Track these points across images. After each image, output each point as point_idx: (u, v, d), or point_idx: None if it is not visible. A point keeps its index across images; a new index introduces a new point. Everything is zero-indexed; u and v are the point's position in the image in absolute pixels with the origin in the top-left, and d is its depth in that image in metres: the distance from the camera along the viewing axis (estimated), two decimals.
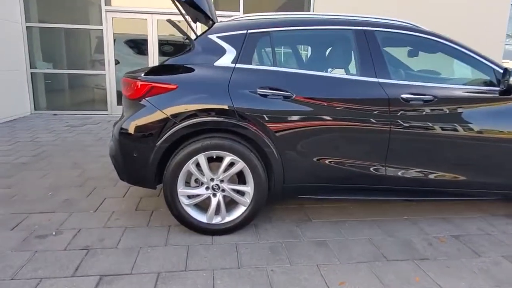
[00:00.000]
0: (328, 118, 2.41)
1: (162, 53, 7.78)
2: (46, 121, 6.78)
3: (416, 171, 2.55)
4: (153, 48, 7.67)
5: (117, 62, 7.69)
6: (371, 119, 2.43)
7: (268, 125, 2.37)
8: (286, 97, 2.39)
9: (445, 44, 2.62)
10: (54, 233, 2.49)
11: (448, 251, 2.37)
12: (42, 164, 4.06)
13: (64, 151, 4.64)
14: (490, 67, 2.60)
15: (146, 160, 2.39)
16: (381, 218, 2.85)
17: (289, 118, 2.39)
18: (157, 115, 2.34)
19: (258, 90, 2.38)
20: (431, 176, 2.57)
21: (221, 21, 2.72)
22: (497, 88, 2.57)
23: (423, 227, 2.71)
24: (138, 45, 7.87)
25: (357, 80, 2.47)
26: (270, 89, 2.39)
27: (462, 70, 3.39)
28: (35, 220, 2.68)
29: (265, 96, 2.38)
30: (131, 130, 2.38)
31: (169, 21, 2.48)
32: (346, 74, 2.49)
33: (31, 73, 7.43)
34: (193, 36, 2.50)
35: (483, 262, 2.26)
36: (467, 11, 7.92)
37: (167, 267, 2.12)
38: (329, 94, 2.42)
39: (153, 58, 7.71)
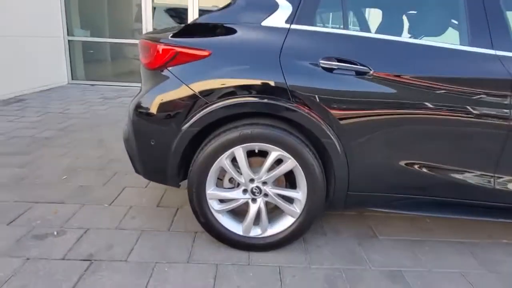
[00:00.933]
0: (420, 104, 1.69)
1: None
2: (82, 91, 6.46)
3: None
4: (193, 18, 7.06)
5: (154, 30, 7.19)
6: (483, 109, 1.69)
7: (332, 111, 1.71)
8: (360, 73, 1.70)
9: None
10: (55, 233, 2.02)
11: None
12: (65, 140, 3.66)
13: (92, 125, 4.23)
14: None
15: (167, 150, 1.82)
16: (471, 240, 2.14)
17: (362, 103, 1.70)
18: (182, 91, 1.74)
19: (320, 61, 1.70)
20: None
21: None
22: None
23: None
24: (179, 15, 7.33)
25: (465, 52, 1.72)
26: (338, 61, 1.70)
27: None
28: (38, 212, 2.23)
29: (330, 70, 1.70)
30: (148, 109, 1.81)
31: None
32: (448, 43, 1.74)
33: (69, 40, 7.11)
34: None
35: None
36: None
37: None
38: (423, 71, 1.69)
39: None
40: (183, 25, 1.95)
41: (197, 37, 1.79)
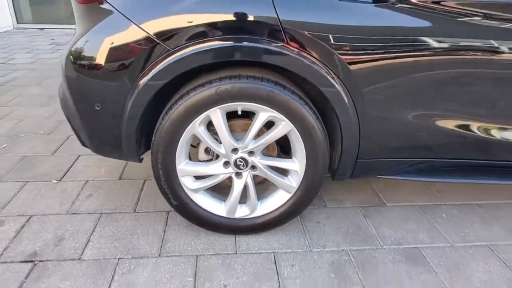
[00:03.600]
0: (457, 44, 1.26)
1: None
2: (29, 37, 5.63)
3: None
4: None
5: None
6: None
7: (339, 55, 1.26)
8: (379, 0, 1.23)
9: None
10: None
11: None
12: (7, 97, 3.07)
13: (40, 78, 3.61)
14: None
15: (120, 115, 1.35)
16: (491, 202, 1.85)
17: (383, 42, 1.25)
18: (132, 34, 1.24)
19: None
20: None
21: None
22: None
23: None
24: None
25: None
26: None
27: None
28: None
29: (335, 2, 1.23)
30: (87, 60, 1.30)
31: None
32: None
33: None
34: None
35: None
36: None
37: None
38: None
39: None
40: None
41: None
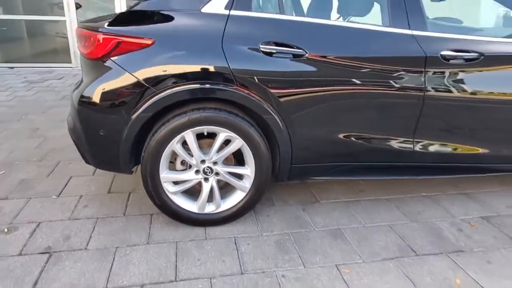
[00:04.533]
0: (350, 81, 1.90)
1: None
2: (0, 75, 5.93)
3: (449, 146, 2.13)
4: None
5: (78, 6, 6.70)
6: (402, 83, 1.94)
7: (273, 91, 1.85)
8: (297, 56, 1.85)
9: None
10: (6, 230, 1.99)
11: (484, 240, 2.03)
12: None
13: (20, 114, 3.98)
14: None
15: (118, 139, 1.85)
16: (397, 196, 2.47)
17: (300, 82, 1.86)
18: (129, 81, 1.77)
19: (260, 46, 1.82)
20: (467, 151, 2.16)
21: None
22: None
23: (446, 207, 2.35)
24: None
25: (386, 33, 1.94)
26: (277, 45, 1.83)
27: (490, 21, 2.89)
28: None
29: (269, 54, 1.83)
30: (94, 100, 1.81)
31: None
32: (373, 25, 1.95)
33: None
34: None
35: None
36: None
37: (152, 277, 1.68)
38: (351, 52, 1.89)
39: (120, 2, 6.75)
40: (119, 13, 1.94)
41: (137, 25, 1.80)
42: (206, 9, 1.84)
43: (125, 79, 1.76)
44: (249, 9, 1.88)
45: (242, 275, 1.72)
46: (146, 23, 1.81)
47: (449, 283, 1.70)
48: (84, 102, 1.83)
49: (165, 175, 1.93)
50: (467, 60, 1.98)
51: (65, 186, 2.48)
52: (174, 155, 2.01)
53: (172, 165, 2.04)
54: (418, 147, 2.11)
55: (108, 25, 1.80)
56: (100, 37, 1.78)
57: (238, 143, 1.91)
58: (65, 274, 1.68)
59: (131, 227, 2.05)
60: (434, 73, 1.96)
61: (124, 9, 6.67)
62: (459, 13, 2.84)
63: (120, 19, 1.86)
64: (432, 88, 1.97)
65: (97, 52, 1.78)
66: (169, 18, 1.82)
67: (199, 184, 2.00)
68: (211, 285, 1.65)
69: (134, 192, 2.42)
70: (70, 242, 1.91)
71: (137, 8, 1.91)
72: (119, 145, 1.86)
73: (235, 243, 1.94)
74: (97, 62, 1.81)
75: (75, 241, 1.91)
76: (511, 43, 2.04)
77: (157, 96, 1.77)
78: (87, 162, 2.01)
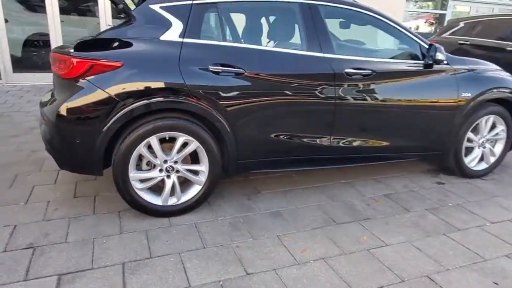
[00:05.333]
0: (279, 93, 2.45)
1: (62, 10, 6.88)
2: None
3: (357, 140, 2.78)
4: (52, 4, 6.69)
5: (6, 21, 6.60)
6: (319, 93, 2.54)
7: (220, 102, 2.33)
8: (238, 74, 2.36)
9: (379, 19, 2.80)
10: None
11: (384, 210, 2.69)
12: None
13: None
14: (417, 42, 2.87)
15: (92, 146, 2.19)
16: (322, 184, 3.07)
17: (241, 94, 2.37)
18: (102, 96, 2.13)
19: (210, 67, 2.30)
20: (369, 144, 2.83)
21: None
22: (422, 62, 2.86)
23: (359, 189, 3.00)
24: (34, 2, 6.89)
25: (305, 55, 2.54)
26: (222, 65, 2.33)
27: (384, 43, 3.67)
28: None
29: (217, 73, 2.31)
30: (71, 114, 2.14)
31: None
32: (295, 49, 2.53)
33: None
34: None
35: (413, 216, 2.62)
36: None
37: (130, 256, 2.05)
38: (279, 70, 2.45)
39: (54, 16, 6.77)
40: (86, 39, 2.29)
41: (108, 50, 2.18)
42: (164, 37, 2.28)
43: (98, 95, 2.12)
44: (198, 37, 2.35)
45: (204, 248, 2.15)
46: (115, 48, 2.19)
47: (359, 240, 2.29)
48: (62, 116, 2.14)
49: (133, 175, 2.30)
50: (364, 75, 2.65)
51: (30, 194, 2.70)
52: (140, 159, 2.38)
53: (138, 166, 2.40)
54: (334, 143, 2.73)
55: (76, 50, 2.15)
56: (74, 60, 2.12)
57: (194, 145, 2.35)
58: (52, 261, 1.98)
59: (103, 222, 2.37)
60: (341, 85, 2.59)
61: (58, 24, 6.72)
62: (362, 35, 3.58)
63: (90, 45, 2.22)
64: (341, 97, 2.60)
65: (73, 73, 2.12)
66: (134, 45, 2.22)
67: (162, 181, 2.40)
68: (180, 258, 2.06)
69: (98, 195, 2.72)
70: (50, 238, 2.18)
71: (103, 35, 2.28)
72: (93, 151, 2.20)
73: (196, 227, 2.36)
74: (72, 82, 2.15)
75: (54, 237, 2.19)
76: (393, 63, 2.77)
77: (126, 109, 2.15)
78: (62, 167, 2.30)
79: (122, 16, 7.32)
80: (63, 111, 2.15)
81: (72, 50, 2.17)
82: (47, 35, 6.85)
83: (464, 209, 2.74)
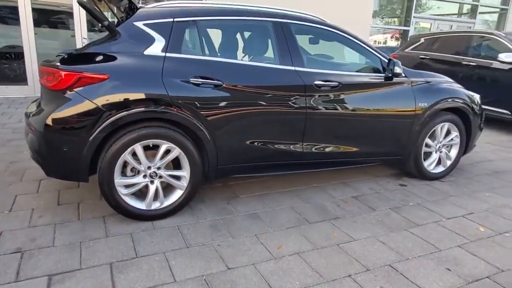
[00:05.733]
0: (255, 103, 2.66)
1: (35, 22, 6.89)
2: None
3: (327, 146, 3.02)
4: (26, 17, 6.69)
5: None
6: (291, 103, 2.78)
7: (201, 112, 2.52)
8: (216, 85, 2.55)
9: (344, 36, 3.09)
10: None
11: (352, 210, 2.93)
12: None
13: None
14: (378, 57, 3.17)
15: (79, 154, 2.31)
16: (296, 188, 3.29)
17: (220, 105, 2.57)
18: (89, 107, 2.27)
19: (191, 79, 2.48)
20: (338, 150, 3.08)
21: (143, 6, 2.69)
22: (383, 75, 3.16)
23: (329, 192, 3.24)
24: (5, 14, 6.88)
25: (278, 69, 2.77)
26: (202, 78, 2.52)
27: (350, 57, 3.98)
28: None
29: (197, 85, 2.50)
30: (59, 123, 2.26)
31: (81, 3, 2.34)
32: (268, 63, 2.77)
33: None
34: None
35: (378, 215, 2.87)
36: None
37: (117, 257, 2.17)
38: (254, 82, 2.66)
39: (28, 29, 6.76)
40: (73, 53, 2.44)
41: (94, 63, 2.33)
42: (147, 51, 2.45)
43: (86, 106, 2.26)
44: (179, 52, 2.54)
45: (187, 248, 2.30)
46: (102, 62, 2.34)
47: (330, 236, 2.51)
48: (50, 125, 2.26)
49: (119, 180, 2.43)
50: (331, 87, 2.91)
51: (14, 203, 2.76)
52: (125, 165, 2.52)
53: (122, 172, 2.54)
54: (306, 149, 2.96)
55: (63, 63, 2.29)
56: (62, 73, 2.26)
57: (176, 151, 2.51)
58: (42, 264, 2.07)
59: (89, 227, 2.48)
60: (311, 96, 2.84)
61: (32, 36, 6.73)
62: (330, 50, 3.87)
63: (76, 59, 2.36)
64: (311, 106, 2.85)
65: (61, 85, 2.25)
66: (119, 59, 2.38)
67: (146, 186, 2.54)
68: (165, 257, 2.20)
69: (82, 202, 2.82)
70: (37, 242, 2.27)
71: (89, 50, 2.43)
72: (80, 159, 2.32)
73: (179, 229, 2.51)
74: (59, 93, 2.28)
75: (41, 242, 2.28)
76: (358, 76, 3.05)
77: (112, 118, 2.30)
78: (48, 174, 2.41)
79: (97, 29, 7.43)
80: (51, 121, 2.26)
81: (59, 64, 2.30)
82: (20, 47, 6.84)
83: (423, 208, 3.02)
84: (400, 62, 3.10)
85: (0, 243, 2.25)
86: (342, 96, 2.97)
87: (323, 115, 2.91)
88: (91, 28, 7.34)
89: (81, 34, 7.17)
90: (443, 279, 2.12)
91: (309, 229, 2.59)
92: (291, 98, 2.77)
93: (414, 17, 10.75)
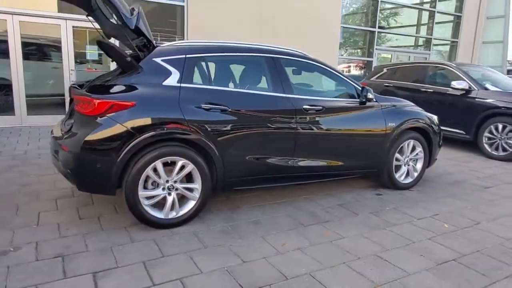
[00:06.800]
0: (255, 124, 3.15)
1: (26, 55, 7.17)
2: None
3: (314, 161, 3.53)
4: (15, 49, 6.96)
5: None
6: (284, 125, 3.28)
7: (211, 132, 2.96)
8: (223, 110, 3.03)
9: (324, 68, 3.68)
10: (12, 249, 2.54)
11: (339, 215, 3.41)
12: None
13: None
14: (353, 85, 3.78)
15: (110, 170, 2.68)
16: (288, 199, 3.74)
17: (226, 126, 3.03)
18: (120, 129, 2.67)
19: (202, 105, 2.94)
20: (323, 164, 3.59)
21: (159, 45, 3.14)
22: (358, 100, 3.76)
23: (318, 202, 3.71)
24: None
25: (273, 96, 3.29)
26: (212, 104, 2.99)
27: (328, 85, 4.59)
28: None
29: (208, 110, 2.96)
30: (94, 144, 2.64)
31: (102, 43, 2.78)
32: (265, 91, 3.28)
33: None
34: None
35: (361, 218, 3.36)
36: (307, 37, 9.76)
37: (148, 256, 2.52)
38: (254, 107, 3.16)
39: (17, 63, 7.02)
40: (103, 84, 2.85)
41: (122, 93, 2.75)
42: (165, 82, 2.91)
43: (117, 129, 2.66)
44: (191, 82, 3.01)
45: (205, 248, 2.68)
46: (128, 91, 2.77)
47: (323, 235, 2.97)
48: (86, 146, 2.63)
49: (142, 193, 2.80)
50: (317, 110, 3.46)
51: (38, 219, 3.04)
52: (147, 180, 2.89)
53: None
54: (296, 163, 3.45)
55: (95, 92, 2.70)
56: (96, 101, 2.66)
57: (190, 167, 2.93)
58: (83, 264, 2.39)
59: (114, 236, 2.81)
60: (300, 118, 3.36)
61: (20, 69, 6.97)
62: (310, 80, 4.47)
63: (106, 89, 2.78)
64: (300, 127, 3.36)
65: (96, 111, 2.65)
66: (144, 89, 2.81)
67: (163, 199, 2.92)
68: (188, 255, 2.57)
69: (101, 216, 3.14)
70: (73, 249, 2.58)
71: (116, 82, 2.85)
72: (110, 175, 2.69)
73: (194, 234, 2.89)
74: (92, 118, 2.67)
75: (76, 248, 2.59)
76: (337, 101, 3.63)
77: (139, 138, 2.70)
78: (81, 189, 2.75)
79: (79, 62, 7.74)
80: (87, 142, 2.64)
81: (86, 92, 2.71)
82: (6, 79, 7.06)
83: (397, 211, 3.56)
84: (371, 89, 3.70)
85: (40, 250, 2.54)
86: (325, 118, 3.51)
87: (309, 134, 3.43)
88: (79, 61, 7.69)
89: (68, 66, 7.49)
90: (418, 262, 2.61)
91: (305, 231, 3.04)
92: (284, 120, 3.28)
93: (376, 49, 11.81)
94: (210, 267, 2.43)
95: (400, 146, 4.04)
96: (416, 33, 13.32)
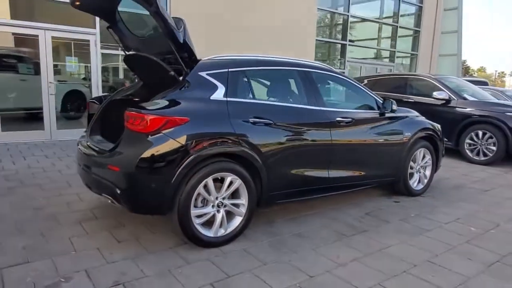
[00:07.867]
0: (296, 137, 3.16)
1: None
2: None
3: (345, 171, 3.59)
4: None
5: None
6: (321, 137, 3.33)
7: (258, 146, 2.93)
8: (268, 124, 3.01)
9: (348, 81, 3.80)
10: (63, 279, 2.33)
11: (372, 223, 3.49)
12: None
13: None
14: (373, 97, 3.92)
15: (164, 189, 2.56)
16: (317, 210, 3.76)
17: (271, 139, 3.01)
18: (175, 146, 2.56)
19: (249, 119, 2.91)
20: (352, 174, 3.67)
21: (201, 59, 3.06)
22: (378, 111, 3.90)
23: (346, 211, 3.77)
24: None
25: (311, 109, 3.33)
26: (257, 118, 2.96)
27: (349, 97, 4.71)
28: (17, 274, 2.38)
29: (254, 124, 2.93)
30: (150, 162, 2.51)
31: (138, 56, 2.67)
32: (304, 105, 3.32)
33: None
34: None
35: (393, 225, 3.47)
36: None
37: (212, 278, 2.42)
38: (295, 120, 3.18)
39: None
40: (153, 100, 2.72)
41: (174, 108, 2.65)
42: (213, 97, 2.85)
43: (172, 145, 2.55)
44: (236, 96, 2.97)
45: (265, 265, 2.63)
46: (180, 106, 2.67)
47: (369, 244, 3.02)
48: (141, 165, 2.50)
49: (193, 211, 2.70)
50: (347, 122, 3.54)
51: (72, 244, 2.82)
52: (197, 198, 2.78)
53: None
54: (331, 175, 3.49)
55: (155, 109, 2.60)
56: (148, 118, 2.55)
57: (238, 182, 2.87)
58: None
59: (165, 258, 2.67)
60: (334, 130, 3.42)
61: None
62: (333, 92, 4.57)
63: (160, 104, 2.67)
64: (334, 139, 3.42)
65: (150, 128, 2.53)
66: (193, 103, 2.73)
67: (212, 217, 2.82)
68: (252, 273, 2.50)
69: (140, 238, 2.97)
70: (129, 275, 2.42)
71: (166, 97, 2.74)
72: (165, 193, 2.56)
73: (246, 251, 2.82)
74: (147, 135, 2.54)
75: (132, 274, 2.43)
76: (363, 112, 3.76)
77: (195, 155, 2.61)
78: (134, 211, 2.60)
79: (60, 74, 7.34)
80: (142, 160, 2.50)
81: (154, 108, 2.62)
82: None
83: (423, 217, 3.71)
84: (395, 101, 3.87)
85: (93, 278, 2.36)
86: (354, 129, 3.61)
87: (342, 146, 3.50)
88: (58, 74, 7.29)
89: (47, 79, 7.05)
90: (469, 266, 2.74)
91: (350, 241, 3.08)
92: (321, 132, 3.33)
93: (348, 61, 12.30)
94: (281, 285, 2.39)
95: (414, 154, 4.23)
96: (381, 46, 14.07)
